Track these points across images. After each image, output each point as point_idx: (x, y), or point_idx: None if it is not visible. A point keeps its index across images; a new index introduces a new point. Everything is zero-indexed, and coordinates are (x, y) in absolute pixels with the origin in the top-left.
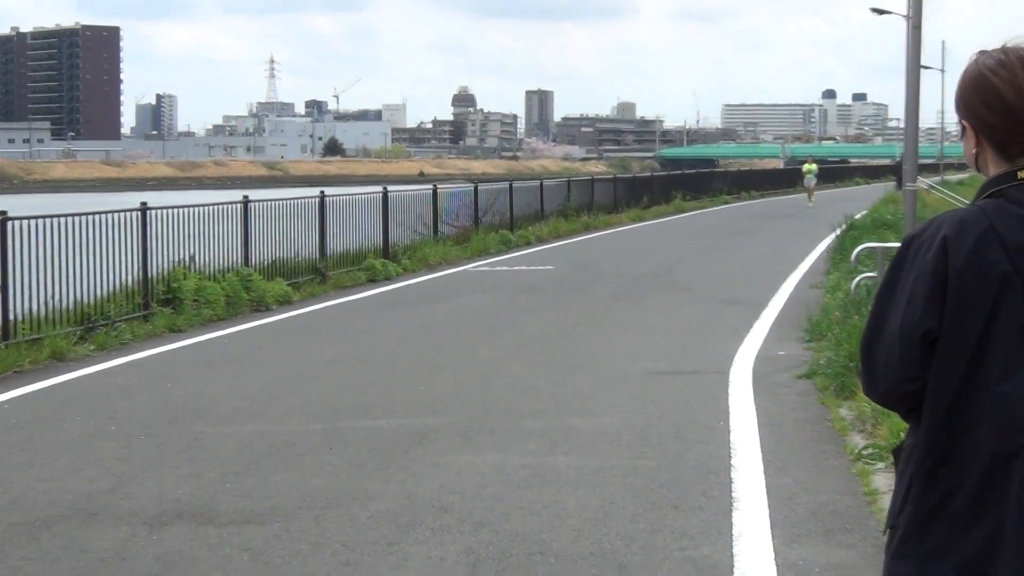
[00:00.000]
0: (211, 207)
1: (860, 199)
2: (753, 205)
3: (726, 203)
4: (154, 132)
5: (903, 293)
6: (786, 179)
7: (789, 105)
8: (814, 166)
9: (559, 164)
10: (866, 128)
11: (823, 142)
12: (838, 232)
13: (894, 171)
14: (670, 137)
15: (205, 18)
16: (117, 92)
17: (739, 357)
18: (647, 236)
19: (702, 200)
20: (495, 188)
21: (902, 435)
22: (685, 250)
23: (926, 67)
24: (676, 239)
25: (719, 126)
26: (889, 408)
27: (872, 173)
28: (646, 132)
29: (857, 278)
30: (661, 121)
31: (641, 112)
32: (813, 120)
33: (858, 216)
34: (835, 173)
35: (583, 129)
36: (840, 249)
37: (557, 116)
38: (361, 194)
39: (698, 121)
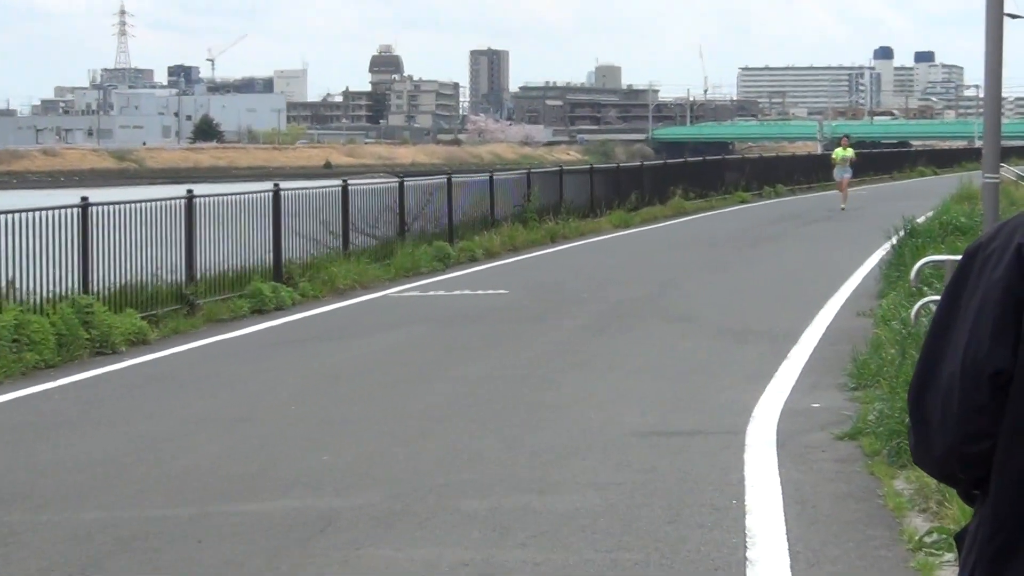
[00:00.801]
0: (36, 213)
1: (925, 195)
2: (781, 205)
3: (743, 202)
4: None
5: (965, 320)
6: (825, 168)
7: (829, 69)
8: (849, 151)
9: (516, 151)
10: (933, 99)
11: (876, 118)
12: (895, 241)
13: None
14: (667, 113)
15: None
16: None
17: (759, 411)
18: (635, 248)
19: (711, 199)
20: (429, 184)
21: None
22: (686, 266)
23: (1014, 15)
24: (675, 252)
25: (734, 98)
26: (947, 478)
27: (942, 159)
28: (635, 107)
29: (919, 303)
30: (655, 91)
31: (628, 80)
32: (862, 88)
33: (922, 219)
34: (890, 160)
35: (549, 102)
36: (897, 263)
37: (513, 85)
38: (244, 193)
39: (706, 91)
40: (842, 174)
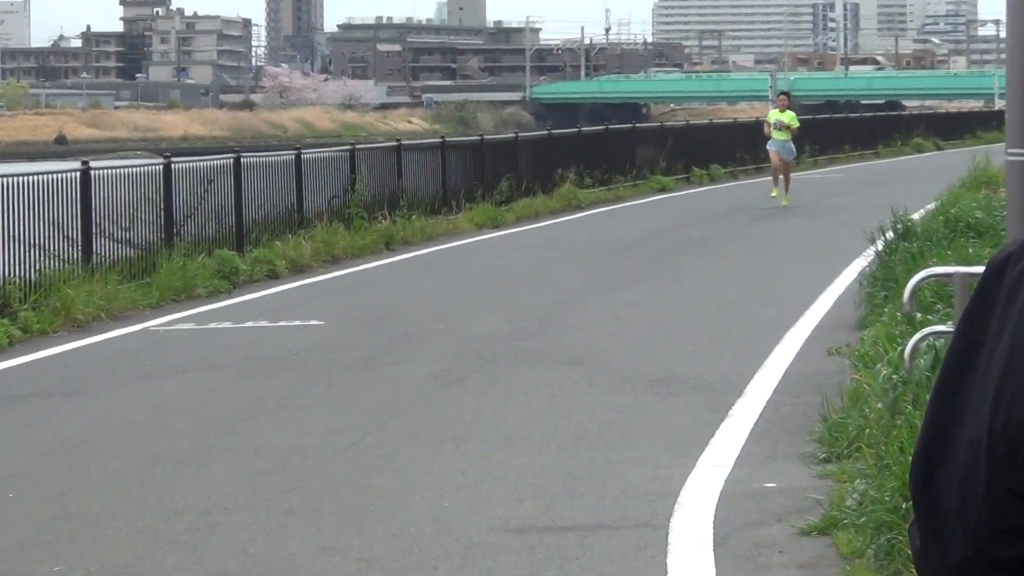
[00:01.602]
0: None
1: (923, 178)
2: (717, 194)
3: (663, 190)
4: None
5: (992, 365)
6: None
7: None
8: (787, 116)
9: (336, 117)
10: (934, 40)
11: (853, 69)
12: (880, 246)
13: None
14: (553, 62)
15: None
16: None
17: (688, 494)
18: (508, 257)
19: (616, 185)
20: (208, 166)
21: None
22: (581, 285)
23: None
24: (564, 263)
25: (649, 40)
26: None
27: (948, 126)
28: (506, 53)
29: (917, 335)
30: (535, 30)
31: (495, 14)
32: (833, 26)
33: (919, 213)
34: (874, 128)
35: (382, 48)
36: (884, 279)
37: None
38: None
39: (608, 31)
40: (776, 147)
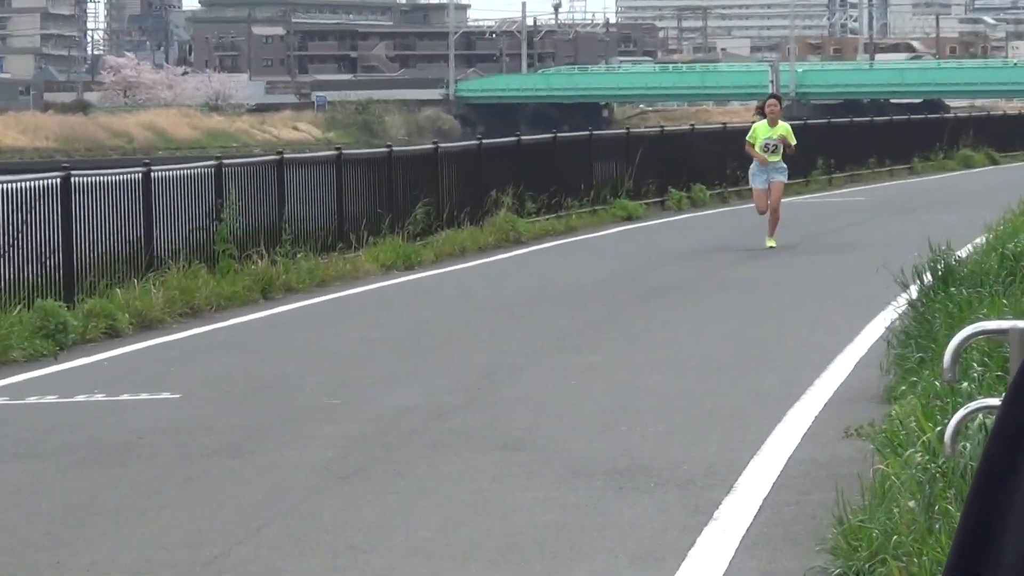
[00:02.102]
0: None
1: (971, 201)
2: (699, 223)
3: (630, 218)
4: None
5: None
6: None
7: None
8: (782, 128)
9: (198, 122)
10: (987, 19)
11: (879, 57)
12: (914, 292)
13: None
14: (485, 50)
15: None
16: None
17: None
18: (422, 308)
19: (568, 213)
20: (29, 188)
21: None
22: (517, 342)
23: None
24: (495, 314)
25: (612, 21)
26: None
27: (1006, 133)
28: (423, 38)
29: (963, 411)
30: (462, 6)
31: None
32: (853, 1)
33: (966, 249)
34: (908, 137)
35: (259, 31)
36: (919, 336)
37: (189, 1)
38: None
39: (557, 8)
40: (764, 177)
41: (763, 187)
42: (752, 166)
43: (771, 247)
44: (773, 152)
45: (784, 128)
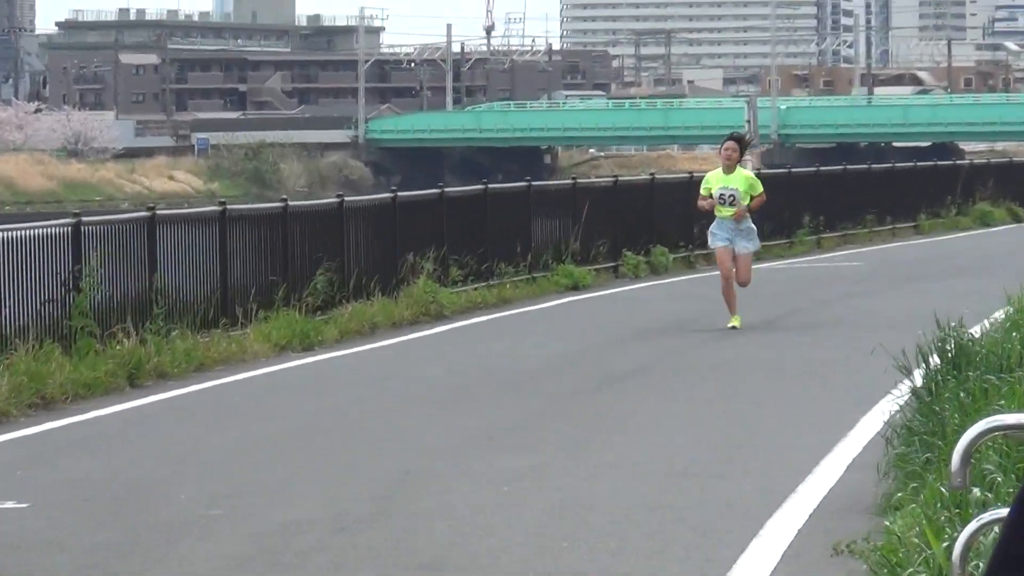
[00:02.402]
0: None
1: (991, 269)
2: (664, 293)
3: (575, 288)
4: None
5: None
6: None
7: None
8: (740, 177)
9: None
10: (1010, 47)
11: (878, 92)
12: (918, 378)
13: None
14: (402, 82)
15: None
16: None
17: None
18: (324, 399)
19: (501, 282)
20: None
21: None
22: (437, 441)
23: None
24: (412, 406)
25: (554, 47)
26: None
27: None
28: (327, 67)
29: (973, 523)
30: (375, 29)
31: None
32: (847, 23)
33: (979, 327)
34: (911, 188)
35: (127, 59)
36: (923, 433)
37: (45, 22)
38: None
39: (490, 32)
40: (725, 236)
41: (722, 244)
42: (713, 224)
43: (734, 327)
44: (730, 205)
45: (744, 178)
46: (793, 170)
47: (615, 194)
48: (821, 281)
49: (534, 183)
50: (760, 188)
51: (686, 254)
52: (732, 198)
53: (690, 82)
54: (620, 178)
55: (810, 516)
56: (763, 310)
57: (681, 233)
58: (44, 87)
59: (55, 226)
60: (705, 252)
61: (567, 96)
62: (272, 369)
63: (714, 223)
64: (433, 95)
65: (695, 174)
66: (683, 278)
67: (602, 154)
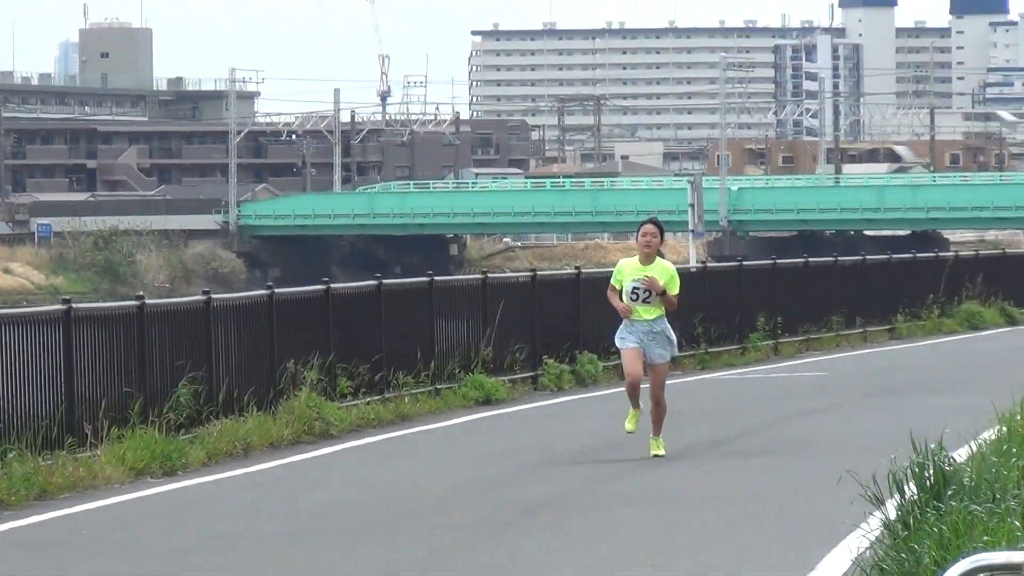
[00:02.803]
0: None
1: (978, 382)
2: (589, 409)
3: (489, 402)
4: None
5: None
6: (713, 300)
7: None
8: (659, 267)
9: None
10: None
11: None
12: (891, 509)
13: None
14: (281, 157)
15: None
16: None
17: None
18: (186, 534)
19: (399, 395)
20: None
21: None
22: None
23: None
24: (291, 545)
25: (464, 118)
26: None
27: None
28: (193, 139)
29: None
30: (248, 94)
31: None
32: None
33: (964, 449)
34: (887, 287)
35: None
36: (899, 571)
37: None
38: None
39: (384, 97)
40: (635, 338)
41: (633, 346)
42: (621, 325)
43: (658, 455)
44: (644, 303)
45: (660, 268)
46: (745, 263)
47: (534, 291)
48: (778, 394)
49: (437, 278)
50: (677, 288)
51: (617, 362)
52: (648, 293)
53: (624, 157)
54: (540, 272)
55: None
56: (709, 430)
57: (612, 337)
58: None
59: None
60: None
61: (477, 175)
62: (127, 497)
63: (622, 326)
64: (318, 173)
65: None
66: (615, 390)
67: (519, 244)
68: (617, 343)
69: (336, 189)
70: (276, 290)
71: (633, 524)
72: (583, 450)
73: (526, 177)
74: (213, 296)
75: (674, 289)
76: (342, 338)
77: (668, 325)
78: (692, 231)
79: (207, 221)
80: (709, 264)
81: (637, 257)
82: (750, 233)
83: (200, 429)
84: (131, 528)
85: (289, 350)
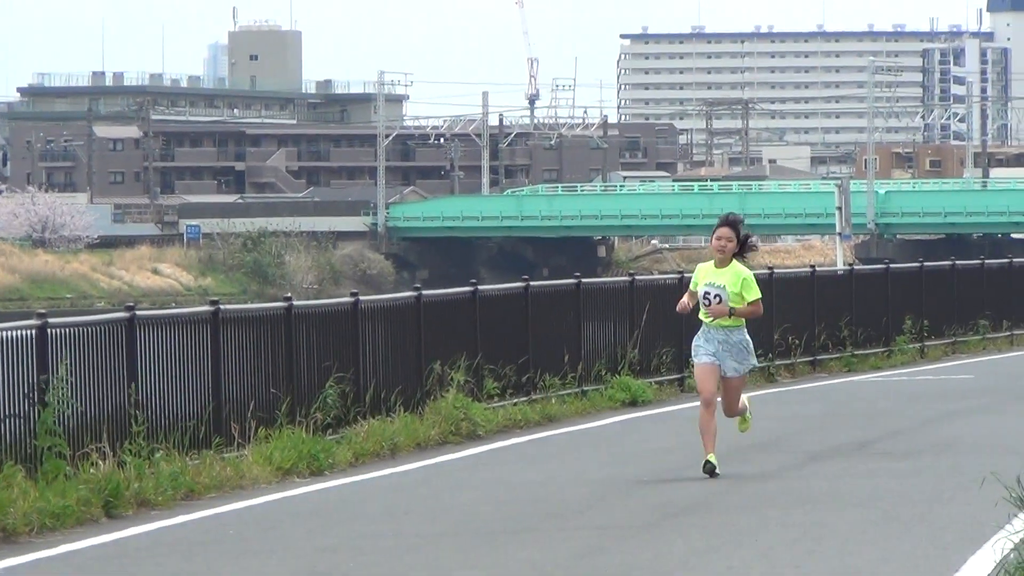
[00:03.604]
0: None
1: None
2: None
3: (636, 403)
4: None
5: None
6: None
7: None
8: (734, 273)
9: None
10: None
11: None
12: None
13: None
14: (430, 160)
15: None
16: None
17: None
18: (333, 534)
19: (545, 396)
20: None
21: None
22: None
23: None
24: (436, 543)
25: (612, 121)
26: None
27: None
28: (340, 141)
29: None
30: (397, 98)
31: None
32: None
33: None
34: None
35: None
36: None
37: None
38: None
39: (533, 101)
40: (712, 349)
41: (708, 361)
42: (698, 334)
43: (711, 466)
44: (715, 313)
45: (737, 274)
46: (892, 266)
47: (681, 293)
48: (924, 397)
49: (585, 280)
50: (756, 293)
51: (765, 364)
52: (718, 299)
53: (771, 161)
54: (686, 274)
55: None
56: (855, 431)
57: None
58: (4, 164)
59: (17, 328)
60: (787, 361)
61: (625, 177)
62: (274, 497)
63: (699, 332)
64: (466, 175)
65: (774, 271)
66: (760, 392)
67: (666, 245)
68: (692, 354)
69: (484, 192)
70: (424, 292)
71: (778, 526)
72: (728, 451)
73: (673, 180)
74: (361, 298)
75: (750, 295)
76: (489, 339)
77: (747, 336)
78: (840, 234)
79: (355, 223)
80: (856, 267)
81: (712, 261)
82: (897, 236)
83: (347, 429)
84: (278, 528)
85: (436, 351)
